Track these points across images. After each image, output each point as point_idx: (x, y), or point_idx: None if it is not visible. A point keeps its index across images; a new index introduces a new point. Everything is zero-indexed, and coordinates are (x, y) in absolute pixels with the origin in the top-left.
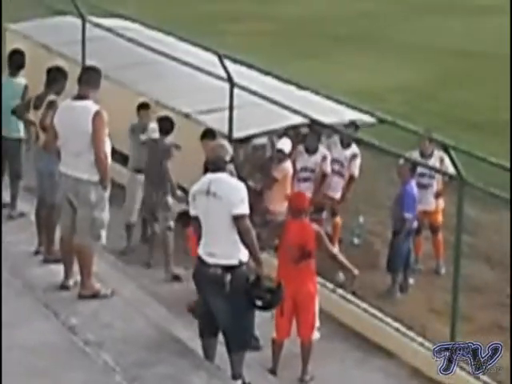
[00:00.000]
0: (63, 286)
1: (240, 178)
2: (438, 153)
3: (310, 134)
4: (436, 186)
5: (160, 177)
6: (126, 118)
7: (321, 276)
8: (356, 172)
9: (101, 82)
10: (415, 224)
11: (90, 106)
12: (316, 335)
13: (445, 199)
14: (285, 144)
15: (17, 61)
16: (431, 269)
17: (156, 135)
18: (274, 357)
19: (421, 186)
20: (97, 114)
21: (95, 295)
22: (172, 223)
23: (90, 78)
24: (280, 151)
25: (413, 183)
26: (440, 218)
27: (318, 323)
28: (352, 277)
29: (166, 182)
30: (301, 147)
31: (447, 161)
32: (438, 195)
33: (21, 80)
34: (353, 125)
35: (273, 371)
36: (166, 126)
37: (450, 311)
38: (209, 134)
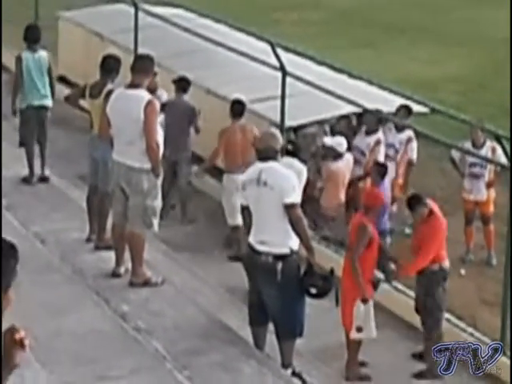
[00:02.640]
0: (114, 274)
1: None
2: (490, 143)
3: (367, 115)
4: (488, 176)
5: (183, 134)
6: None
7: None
8: (414, 156)
9: (154, 69)
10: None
11: (142, 94)
12: (355, 335)
13: (496, 189)
14: (340, 143)
15: (33, 34)
16: (482, 259)
17: (164, 99)
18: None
19: (472, 176)
20: (149, 103)
21: (146, 283)
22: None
23: (143, 66)
24: (332, 149)
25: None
26: (491, 208)
27: (359, 323)
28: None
29: (188, 140)
30: (363, 128)
31: (499, 151)
32: (489, 185)
33: (41, 53)
34: (405, 108)
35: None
36: (183, 85)
37: (500, 302)
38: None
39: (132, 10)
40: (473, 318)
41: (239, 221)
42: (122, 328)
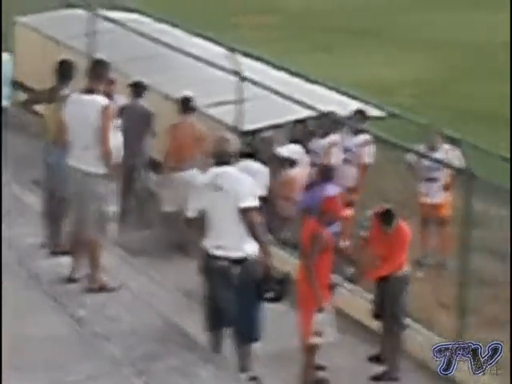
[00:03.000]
0: (70, 279)
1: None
2: (446, 146)
3: (322, 118)
4: (444, 180)
5: (140, 139)
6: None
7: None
8: (369, 159)
9: (109, 75)
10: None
11: (98, 99)
12: (313, 340)
13: (452, 193)
14: (295, 151)
15: None
16: (439, 262)
17: (120, 103)
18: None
19: (428, 180)
20: (105, 108)
21: (102, 288)
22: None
23: (98, 71)
24: (287, 159)
25: None
26: (448, 211)
27: (317, 328)
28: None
29: (144, 145)
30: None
31: (455, 153)
32: (446, 188)
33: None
34: (360, 112)
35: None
36: (138, 89)
37: (457, 305)
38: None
39: (88, 15)
40: (430, 320)
41: (173, 208)
42: (78, 333)
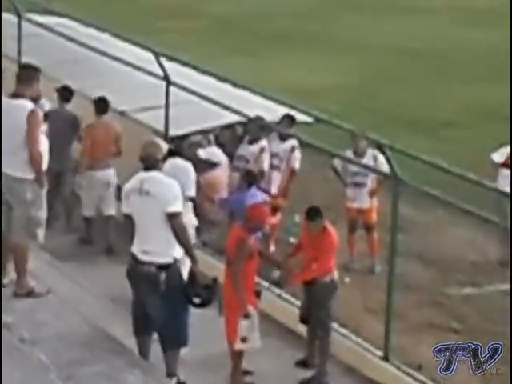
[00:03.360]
0: None
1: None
2: (372, 151)
3: (250, 124)
4: (370, 185)
5: (66, 144)
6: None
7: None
8: (296, 165)
9: (38, 79)
10: None
11: (25, 104)
12: (239, 345)
13: (379, 198)
14: (214, 153)
15: None
16: (366, 267)
17: (46, 108)
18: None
19: (355, 185)
20: (32, 113)
21: (30, 293)
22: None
23: (26, 75)
24: (205, 162)
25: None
26: (374, 216)
27: (244, 333)
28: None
29: (71, 149)
30: (246, 137)
31: (381, 159)
32: (372, 193)
33: None
34: (288, 117)
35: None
36: (65, 94)
37: (384, 309)
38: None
39: (15, 19)
40: (357, 325)
41: (91, 212)
42: (6, 339)
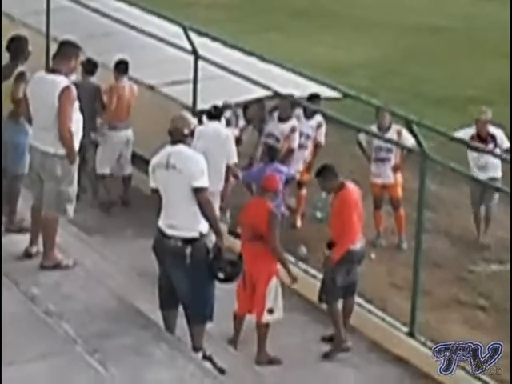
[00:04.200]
0: (26, 253)
1: None
2: (396, 126)
3: (281, 102)
4: (394, 160)
5: (91, 117)
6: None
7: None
8: (322, 140)
9: (78, 56)
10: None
11: (59, 80)
12: (267, 317)
13: (405, 174)
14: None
15: None
16: (393, 244)
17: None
18: (234, 330)
19: (379, 160)
20: (65, 89)
21: (57, 266)
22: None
23: (63, 51)
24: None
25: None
26: (399, 191)
27: (270, 305)
28: (292, 280)
29: (95, 122)
30: (275, 114)
31: (405, 134)
32: (396, 169)
33: None
34: (315, 97)
35: (233, 343)
36: (89, 67)
37: (410, 286)
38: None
39: None
40: (383, 301)
41: (107, 170)
42: (31, 311)
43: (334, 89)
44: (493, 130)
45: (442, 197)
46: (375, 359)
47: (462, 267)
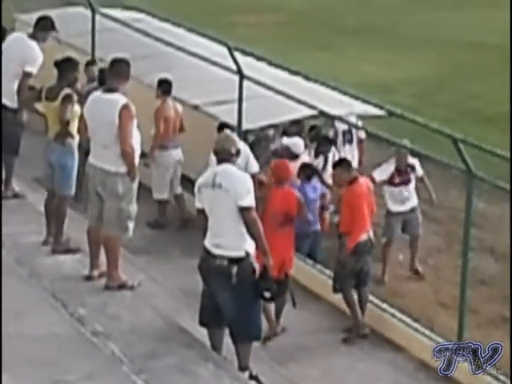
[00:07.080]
0: (88, 277)
1: None
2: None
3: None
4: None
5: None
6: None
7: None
8: (363, 135)
9: (129, 73)
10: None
11: (117, 98)
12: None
13: (451, 192)
14: (296, 144)
15: None
16: (440, 262)
17: None
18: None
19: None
20: (124, 107)
21: (122, 286)
22: None
23: (119, 69)
24: (287, 149)
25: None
26: None
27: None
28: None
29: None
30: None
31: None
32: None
33: None
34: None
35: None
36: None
37: (456, 304)
38: (224, 127)
39: (89, 13)
40: (430, 320)
41: (165, 195)
42: (78, 332)
43: (378, 107)
44: (411, 159)
45: (487, 215)
46: (424, 378)
47: (506, 284)
